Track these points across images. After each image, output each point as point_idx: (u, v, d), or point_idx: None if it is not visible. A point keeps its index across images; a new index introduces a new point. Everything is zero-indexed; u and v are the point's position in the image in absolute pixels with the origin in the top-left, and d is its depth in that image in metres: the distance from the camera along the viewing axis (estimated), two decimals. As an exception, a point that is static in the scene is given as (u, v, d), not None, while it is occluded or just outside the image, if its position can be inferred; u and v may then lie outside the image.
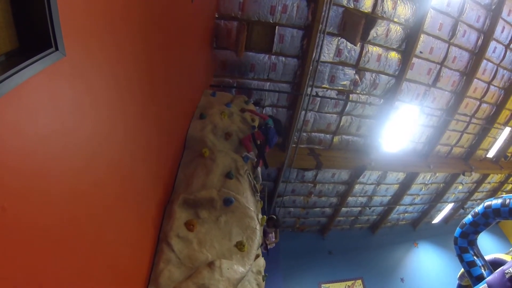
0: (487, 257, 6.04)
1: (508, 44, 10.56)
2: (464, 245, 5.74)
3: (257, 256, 4.76)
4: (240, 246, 4.11)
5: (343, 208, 12.70)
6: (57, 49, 1.42)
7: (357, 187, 12.02)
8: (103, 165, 2.14)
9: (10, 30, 1.32)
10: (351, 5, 7.64)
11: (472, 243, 5.75)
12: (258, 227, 4.51)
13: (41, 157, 1.43)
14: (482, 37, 9.73)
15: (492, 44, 10.00)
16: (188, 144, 5.00)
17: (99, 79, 1.94)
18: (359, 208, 13.31)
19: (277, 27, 7.45)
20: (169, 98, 3.79)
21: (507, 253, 7.46)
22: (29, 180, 1.36)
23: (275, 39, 7.59)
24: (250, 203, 4.66)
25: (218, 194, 4.32)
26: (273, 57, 7.88)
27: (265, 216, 4.92)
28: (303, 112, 8.19)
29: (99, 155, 2.06)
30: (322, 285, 12.08)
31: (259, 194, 5.28)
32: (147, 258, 3.36)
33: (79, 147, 1.79)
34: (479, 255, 5.71)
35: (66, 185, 1.68)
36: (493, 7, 9.37)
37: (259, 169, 5.66)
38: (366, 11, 7.83)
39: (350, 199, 12.40)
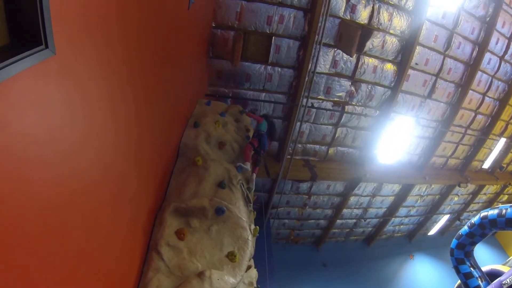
0: (484, 268, 5.99)
1: (503, 56, 10.68)
2: (460, 257, 5.68)
3: (249, 267, 4.67)
4: (231, 256, 4.03)
5: (338, 220, 12.61)
6: (47, 47, 1.41)
7: (352, 199, 11.96)
8: (92, 168, 2.08)
9: (1, 26, 1.32)
10: (348, 17, 7.68)
11: (469, 254, 5.69)
12: (250, 237, 4.44)
13: (26, 157, 1.38)
14: (477, 49, 9.82)
15: (487, 55, 10.11)
16: (181, 152, 4.96)
17: (89, 80, 1.91)
18: (354, 220, 13.23)
19: (273, 37, 7.45)
20: (162, 104, 3.74)
21: (504, 264, 7.41)
22: (12, 181, 1.30)
23: (271, 50, 7.59)
24: (242, 213, 4.60)
25: (210, 203, 4.25)
26: (269, 67, 7.87)
27: (257, 227, 4.84)
28: (298, 123, 8.16)
29: (88, 158, 2.00)
30: (317, 298, 11.97)
31: (252, 205, 5.22)
32: (136, 266, 3.28)
33: (67, 148, 1.74)
34: (476, 266, 5.65)
35: (52, 187, 1.63)
36: (488, 19, 9.47)
37: (254, 175, 5.64)
38: (362, 22, 7.86)
39: (345, 211, 12.32)
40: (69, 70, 1.66)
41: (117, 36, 2.23)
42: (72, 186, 1.82)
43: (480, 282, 5.39)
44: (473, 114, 11.60)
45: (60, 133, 1.65)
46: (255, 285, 5.31)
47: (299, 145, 9.58)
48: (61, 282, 1.81)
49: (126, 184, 2.81)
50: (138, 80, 2.78)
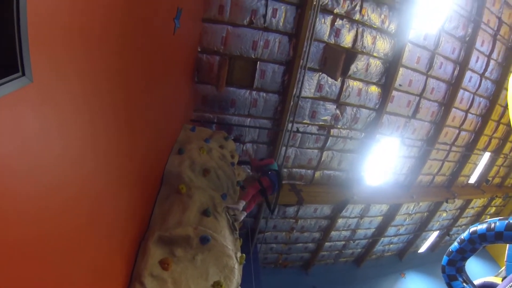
0: (477, 282, 5.95)
1: (483, 73, 10.99)
2: (452, 273, 5.61)
3: (236, 296, 4.54)
4: (217, 286, 3.90)
5: (326, 243, 12.46)
6: (23, 74, 1.40)
7: (340, 221, 11.87)
8: (68, 195, 1.99)
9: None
10: (332, 41, 7.71)
11: (461, 270, 5.63)
12: (236, 266, 4.34)
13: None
14: (458, 68, 10.06)
15: (468, 74, 10.37)
16: (166, 179, 4.86)
17: (69, 107, 1.89)
18: (343, 242, 13.11)
19: (258, 62, 7.41)
20: (146, 130, 3.68)
21: (496, 276, 7.38)
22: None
23: (256, 75, 7.53)
24: (228, 241, 4.49)
25: (194, 231, 4.14)
26: (254, 92, 7.79)
27: (244, 255, 4.68)
28: (283, 148, 8.10)
29: (64, 185, 1.93)
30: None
31: (237, 232, 5.09)
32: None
33: (43, 174, 1.68)
34: (469, 281, 5.59)
35: (25, 225, 1.56)
36: (467, 38, 9.71)
37: (245, 214, 5.48)
38: (346, 46, 7.90)
39: (333, 233, 12.19)
40: (47, 97, 1.64)
41: (100, 62, 2.19)
42: (48, 209, 1.75)
43: (473, 296, 5.33)
44: (457, 131, 11.80)
45: (37, 159, 1.61)
46: (243, 314, 5.14)
47: (285, 170, 9.46)
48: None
49: (107, 213, 2.70)
50: (122, 108, 2.73)
